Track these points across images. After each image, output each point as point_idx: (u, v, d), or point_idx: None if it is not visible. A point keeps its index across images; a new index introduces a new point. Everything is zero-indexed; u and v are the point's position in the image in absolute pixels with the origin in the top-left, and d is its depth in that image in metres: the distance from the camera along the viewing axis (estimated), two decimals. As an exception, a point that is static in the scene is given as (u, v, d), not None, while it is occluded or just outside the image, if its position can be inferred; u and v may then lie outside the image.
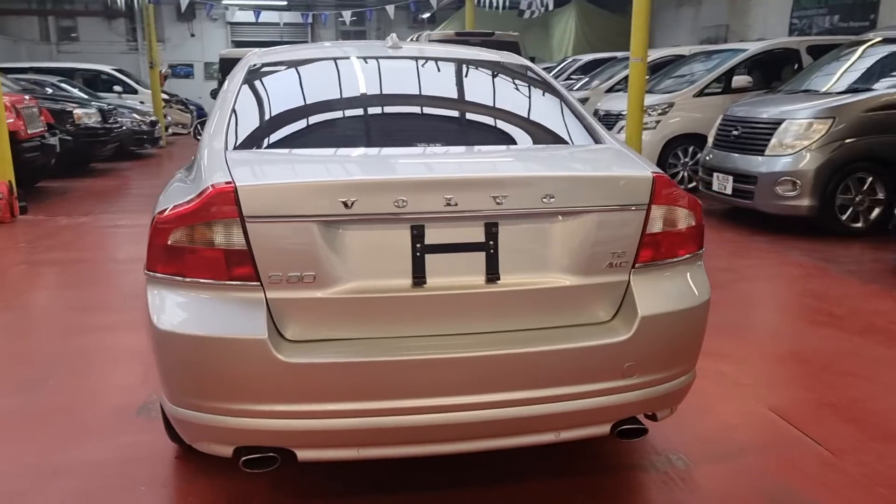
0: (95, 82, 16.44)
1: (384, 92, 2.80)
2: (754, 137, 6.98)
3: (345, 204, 1.97)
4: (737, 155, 7.14)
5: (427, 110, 2.78)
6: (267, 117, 2.57)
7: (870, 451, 2.88)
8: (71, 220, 7.65)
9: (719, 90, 9.15)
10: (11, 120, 7.93)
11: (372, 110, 2.74)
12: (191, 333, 1.99)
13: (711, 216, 7.85)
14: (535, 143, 2.63)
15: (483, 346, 2.08)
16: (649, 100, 9.05)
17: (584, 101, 11.59)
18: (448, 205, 2.02)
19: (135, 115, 13.74)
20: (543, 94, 2.89)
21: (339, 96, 2.75)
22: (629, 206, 2.17)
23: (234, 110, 2.51)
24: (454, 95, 2.87)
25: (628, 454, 2.85)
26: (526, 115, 2.79)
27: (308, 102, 2.74)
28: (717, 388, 3.48)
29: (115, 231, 7.24)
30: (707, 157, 7.66)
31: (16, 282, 5.45)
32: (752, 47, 9.43)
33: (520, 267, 2.12)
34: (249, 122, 2.47)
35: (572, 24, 20.81)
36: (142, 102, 15.60)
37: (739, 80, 9.03)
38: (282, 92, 2.77)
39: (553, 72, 15.61)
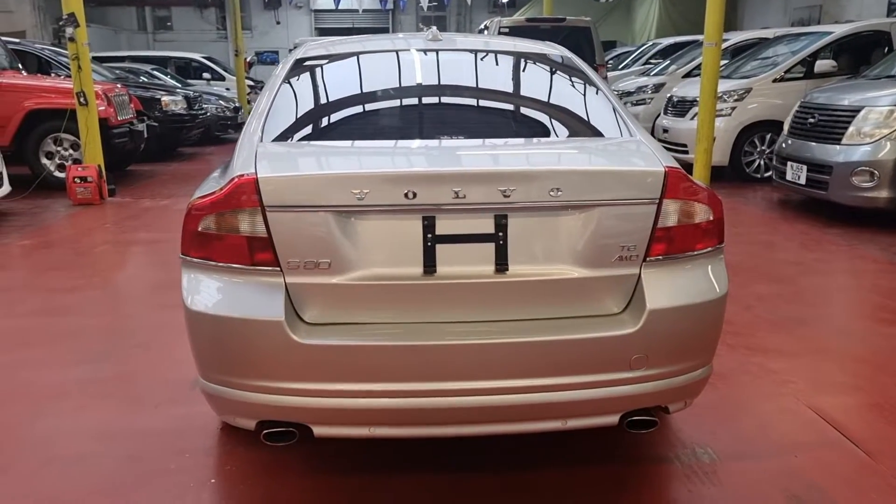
0: (187, 69, 17.24)
1: (415, 85, 2.88)
2: (831, 125, 6.68)
3: (357, 195, 2.07)
4: (813, 143, 6.86)
5: (455, 103, 2.85)
6: (301, 111, 2.70)
7: (910, 455, 2.79)
8: (154, 202, 8.11)
9: (801, 75, 8.76)
10: (103, 107, 8.45)
11: (400, 103, 2.83)
12: (217, 314, 2.15)
13: (786, 207, 7.57)
14: (560, 135, 2.66)
15: (491, 334, 2.15)
16: (725, 85, 8.77)
17: (660, 86, 11.31)
18: (457, 197, 2.09)
19: (220, 102, 14.33)
20: (577, 86, 2.90)
21: (370, 90, 2.86)
22: (639, 199, 2.18)
23: (272, 104, 2.64)
24: (484, 88, 2.91)
25: (654, 446, 2.86)
26: (555, 108, 2.81)
27: (340, 96, 2.86)
28: (759, 385, 3.42)
29: (193, 213, 7.61)
30: (782, 146, 7.39)
31: (99, 260, 5.85)
32: (838, 30, 8.97)
33: (529, 258, 2.18)
34: (284, 116, 2.60)
35: (656, 5, 20.24)
36: (227, 89, 16.24)
37: (822, 65, 8.64)
38: (318, 86, 2.89)
39: (632, 56, 15.29)
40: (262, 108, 2.65)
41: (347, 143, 2.49)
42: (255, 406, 2.18)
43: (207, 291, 2.20)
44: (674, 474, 2.68)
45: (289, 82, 2.82)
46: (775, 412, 3.15)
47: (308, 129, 2.61)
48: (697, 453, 2.80)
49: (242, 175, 2.14)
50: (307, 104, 2.79)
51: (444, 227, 2.14)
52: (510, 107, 2.88)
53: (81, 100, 7.90)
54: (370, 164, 2.26)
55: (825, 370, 3.61)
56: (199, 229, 2.17)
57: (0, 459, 2.77)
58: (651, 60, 14.04)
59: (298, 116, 2.66)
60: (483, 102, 2.88)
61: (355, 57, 3.10)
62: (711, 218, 2.28)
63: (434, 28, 3.18)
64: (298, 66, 2.94)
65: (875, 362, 3.68)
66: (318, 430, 2.19)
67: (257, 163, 2.19)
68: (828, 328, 4.28)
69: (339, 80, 3.00)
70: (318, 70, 2.99)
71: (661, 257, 2.23)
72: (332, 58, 3.11)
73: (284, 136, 2.50)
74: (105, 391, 3.37)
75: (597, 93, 2.83)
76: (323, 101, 2.82)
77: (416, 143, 2.48)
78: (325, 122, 2.71)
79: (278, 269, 2.13)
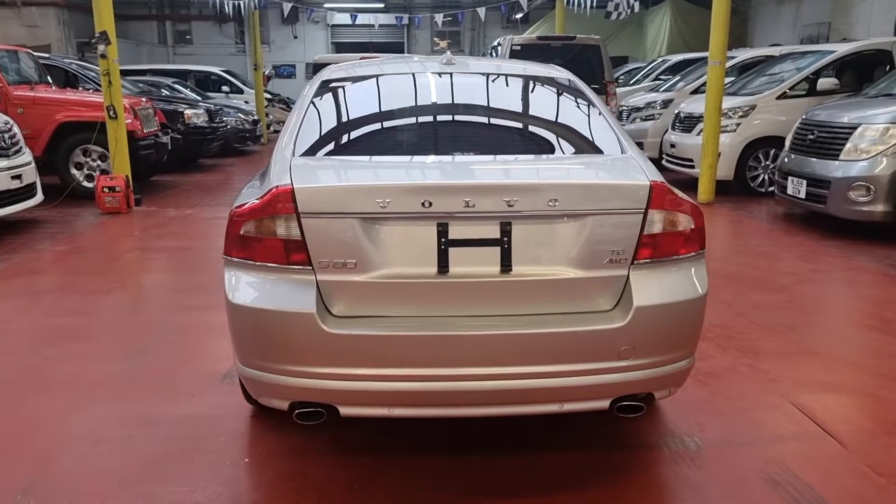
0: (206, 82, 17.69)
1: (430, 104, 3.19)
2: (830, 142, 6.95)
3: (380, 203, 2.38)
4: (812, 159, 7.12)
5: (464, 122, 3.15)
6: (327, 128, 3.01)
7: (880, 445, 3.04)
8: (178, 211, 8.47)
9: (804, 92, 9.03)
10: (129, 120, 8.85)
11: (416, 122, 3.14)
12: (256, 307, 2.45)
13: (787, 221, 7.81)
14: (560, 152, 2.95)
15: (496, 326, 2.44)
16: (730, 102, 9.05)
17: (668, 102, 11.59)
18: (467, 206, 2.39)
19: (239, 115, 14.74)
20: (577, 107, 3.20)
21: (389, 109, 3.18)
22: (627, 210, 2.47)
23: (302, 122, 2.95)
24: (493, 107, 3.21)
25: (646, 434, 3.13)
26: (557, 126, 3.10)
27: (362, 115, 3.17)
28: (748, 383, 3.68)
29: (216, 221, 7.92)
30: (783, 161, 7.65)
31: (130, 266, 6.20)
32: (841, 48, 9.23)
33: (530, 260, 2.47)
34: (313, 133, 2.91)
35: (667, 21, 20.53)
36: (246, 102, 16.65)
37: (825, 83, 8.89)
38: (342, 105, 3.21)
39: (642, 71, 15.58)
40: (292, 125, 2.96)
41: (371, 157, 2.80)
42: (289, 388, 2.48)
43: (247, 287, 2.50)
44: (662, 458, 2.95)
45: (315, 103, 3.13)
46: (760, 408, 3.41)
47: (334, 145, 2.92)
48: (685, 441, 3.07)
49: (280, 186, 2.45)
50: (332, 122, 3.10)
51: (456, 232, 2.43)
52: (516, 125, 3.18)
53: (111, 113, 8.29)
54: (392, 177, 2.57)
55: (811, 370, 3.86)
56: (241, 233, 2.48)
57: (54, 442, 3.08)
58: (661, 76, 14.32)
59: (325, 133, 2.97)
60: (492, 121, 3.18)
61: (375, 79, 3.41)
62: (693, 226, 2.57)
63: (448, 52, 3.48)
64: (324, 88, 3.25)
65: (859, 363, 3.94)
66: (344, 410, 2.49)
67: (292, 175, 2.50)
68: (817, 333, 4.53)
69: (362, 100, 3.31)
70: (341, 91, 3.30)
71: (647, 261, 2.51)
72: (354, 80, 3.42)
73: (313, 151, 2.80)
74: (144, 382, 3.68)
75: (596, 113, 3.12)
76: (347, 119, 3.13)
77: (431, 158, 2.78)
78: (349, 138, 3.02)
79: (310, 268, 2.43)
